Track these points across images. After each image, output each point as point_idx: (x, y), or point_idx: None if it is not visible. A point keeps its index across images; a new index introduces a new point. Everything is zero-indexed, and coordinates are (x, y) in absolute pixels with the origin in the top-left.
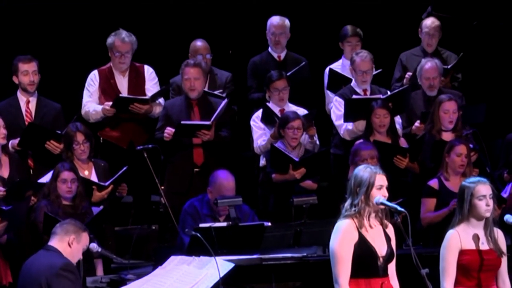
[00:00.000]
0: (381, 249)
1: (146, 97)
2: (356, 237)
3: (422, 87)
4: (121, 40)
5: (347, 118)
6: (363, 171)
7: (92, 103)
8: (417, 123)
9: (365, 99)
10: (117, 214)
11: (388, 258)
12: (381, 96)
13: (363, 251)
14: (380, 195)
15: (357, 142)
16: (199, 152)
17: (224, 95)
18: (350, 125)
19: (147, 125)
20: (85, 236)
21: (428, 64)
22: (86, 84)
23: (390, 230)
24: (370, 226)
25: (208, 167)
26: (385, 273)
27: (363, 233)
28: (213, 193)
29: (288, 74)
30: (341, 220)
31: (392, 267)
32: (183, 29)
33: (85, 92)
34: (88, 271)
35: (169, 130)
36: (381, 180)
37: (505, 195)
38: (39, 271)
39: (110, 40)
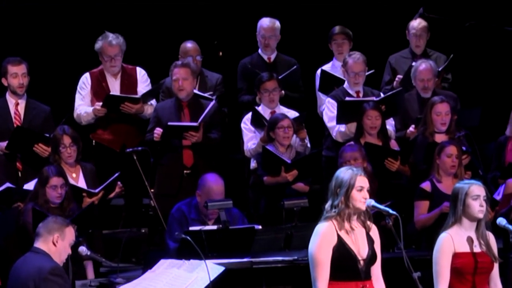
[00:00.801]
0: (362, 252)
1: (137, 96)
2: (335, 240)
3: (417, 89)
4: (109, 43)
5: (340, 120)
6: (344, 172)
7: (84, 106)
8: (411, 128)
9: (358, 101)
10: (107, 217)
11: (369, 260)
12: (374, 99)
13: (341, 254)
14: (360, 197)
15: (346, 144)
16: (188, 154)
17: (214, 97)
18: (342, 127)
19: (140, 127)
20: (69, 231)
21: (423, 65)
22: (78, 87)
23: (374, 232)
24: (351, 228)
25: (198, 169)
26: (367, 276)
27: (342, 235)
28: (202, 197)
29: (279, 77)
30: (321, 222)
31: (376, 270)
32: (173, 31)
33: (77, 95)
34: (78, 274)
35: (158, 131)
36: (361, 181)
37: (497, 197)
38: (28, 275)
39: (97, 45)
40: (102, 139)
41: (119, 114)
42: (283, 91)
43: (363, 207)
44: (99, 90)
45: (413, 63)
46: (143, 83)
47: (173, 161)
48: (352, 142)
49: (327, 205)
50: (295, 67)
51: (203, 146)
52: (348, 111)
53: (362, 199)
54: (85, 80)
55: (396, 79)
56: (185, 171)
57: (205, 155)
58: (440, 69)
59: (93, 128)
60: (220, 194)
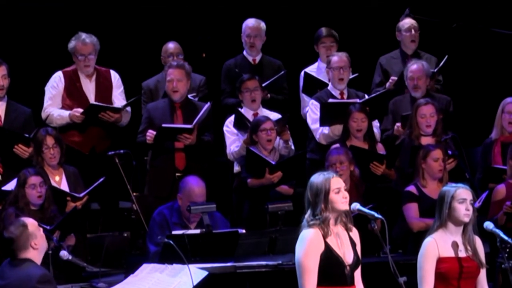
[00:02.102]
0: (348, 257)
1: (119, 106)
2: (322, 247)
3: (408, 88)
4: (82, 42)
5: (323, 122)
6: (316, 179)
7: (53, 107)
8: (398, 125)
9: (342, 103)
10: (86, 222)
11: (354, 265)
12: (358, 100)
13: (329, 261)
14: (340, 198)
15: (332, 146)
16: (181, 157)
17: (196, 99)
18: (326, 129)
19: (110, 130)
20: (31, 225)
21: (414, 65)
22: (49, 86)
23: (355, 234)
24: (336, 234)
25: (190, 172)
26: (352, 281)
27: (329, 242)
28: (183, 200)
29: (264, 84)
30: (306, 229)
31: (357, 274)
32: (156, 32)
33: (47, 94)
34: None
35: (150, 133)
36: (337, 183)
37: (477, 204)
38: (16, 285)
39: (71, 44)
40: (70, 141)
41: (98, 122)
42: (268, 95)
43: (346, 207)
44: (73, 90)
45: (405, 64)
46: (118, 88)
47: (165, 163)
48: (338, 145)
49: (307, 215)
50: (282, 72)
51: (195, 149)
52: (332, 113)
53: (342, 199)
54: (58, 79)
55: (390, 80)
56: (177, 174)
57: (197, 158)
58: (434, 70)
59: (62, 130)
60: (201, 196)
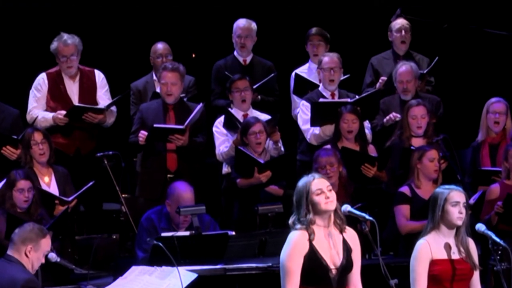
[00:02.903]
0: (335, 260)
1: (102, 107)
2: (306, 249)
3: (398, 91)
4: (64, 43)
5: (314, 122)
6: (300, 182)
7: (38, 109)
8: (382, 78)
9: (333, 103)
10: (74, 223)
11: (343, 269)
12: (349, 100)
13: (312, 263)
14: (322, 198)
15: (321, 148)
16: (172, 158)
17: (185, 99)
18: (317, 130)
19: (95, 132)
20: (44, 242)
21: (403, 67)
22: (33, 88)
23: (352, 238)
24: (325, 236)
25: (182, 174)
26: (340, 285)
27: (315, 244)
28: (172, 206)
29: (255, 86)
30: (292, 231)
31: (354, 278)
32: (145, 32)
33: (32, 97)
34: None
35: (142, 134)
36: (318, 184)
37: (472, 201)
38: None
39: (53, 45)
40: (55, 143)
41: (81, 123)
42: (259, 96)
43: (331, 207)
44: (57, 93)
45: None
46: (102, 88)
47: (156, 165)
48: (327, 146)
49: (293, 219)
50: (272, 74)
51: (187, 150)
52: (322, 113)
53: (325, 199)
54: (42, 81)
55: (380, 80)
56: (168, 176)
57: (189, 159)
58: (424, 72)
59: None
60: (189, 201)
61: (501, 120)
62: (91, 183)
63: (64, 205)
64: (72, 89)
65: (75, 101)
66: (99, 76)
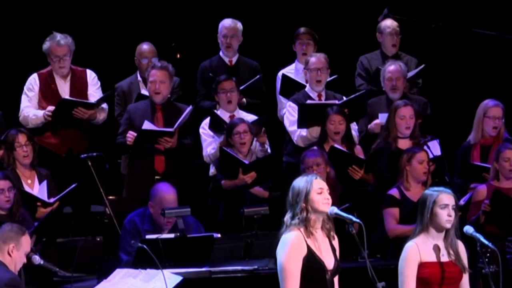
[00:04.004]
0: (329, 262)
1: (92, 102)
2: (304, 250)
3: (385, 90)
4: (57, 43)
5: (301, 124)
6: (299, 181)
7: (31, 108)
8: (376, 121)
9: (319, 104)
10: (57, 226)
11: (335, 271)
12: (336, 102)
13: (311, 265)
14: (322, 198)
15: (308, 149)
16: (160, 160)
17: (171, 100)
18: (304, 132)
19: (88, 132)
20: (25, 240)
21: (392, 65)
22: (25, 88)
23: (336, 242)
24: (317, 239)
25: (169, 175)
26: (332, 287)
27: (311, 245)
28: (155, 207)
29: (241, 87)
30: (287, 232)
31: (336, 281)
32: (129, 33)
33: (24, 97)
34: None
35: (131, 134)
36: (319, 184)
37: (462, 202)
38: None
39: (45, 45)
40: (47, 143)
41: (71, 119)
42: (244, 99)
43: (327, 209)
44: (48, 92)
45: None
46: (94, 86)
47: (144, 166)
48: (314, 147)
49: (288, 217)
50: (258, 76)
51: (175, 152)
52: (309, 115)
53: (324, 200)
54: (33, 81)
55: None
56: (156, 177)
57: (177, 161)
58: (408, 77)
59: (39, 132)
60: (172, 203)
61: (499, 125)
62: (73, 185)
63: (46, 207)
64: (64, 88)
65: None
66: (90, 75)
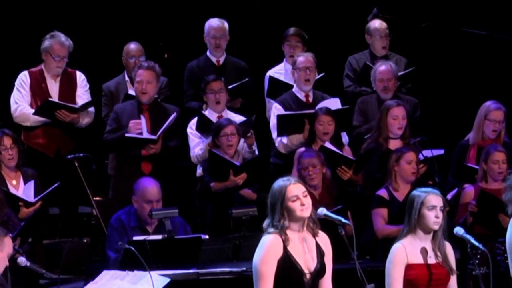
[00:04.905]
0: (309, 265)
1: (76, 106)
2: (280, 253)
3: (377, 90)
4: (60, 43)
5: (280, 132)
6: (276, 186)
7: (26, 105)
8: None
9: (298, 115)
10: (44, 227)
11: (317, 274)
12: (310, 112)
13: (286, 267)
14: (298, 205)
15: (303, 149)
16: (147, 161)
17: (158, 100)
18: (284, 139)
19: (75, 133)
20: (7, 241)
21: (383, 66)
22: (17, 85)
23: (325, 242)
24: (302, 240)
25: (156, 176)
26: None
27: (289, 248)
28: (138, 202)
29: (229, 87)
30: (266, 234)
31: (326, 282)
32: (116, 32)
33: (17, 94)
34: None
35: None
36: (294, 190)
37: (449, 196)
38: None
39: (47, 43)
40: (34, 143)
41: (54, 120)
42: (239, 104)
43: (306, 214)
44: (38, 91)
45: (372, 65)
46: (82, 88)
47: (131, 167)
48: (310, 148)
49: (266, 223)
50: (245, 79)
51: (161, 156)
52: (288, 124)
53: (300, 207)
54: (24, 78)
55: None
56: None
57: (163, 164)
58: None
59: (26, 131)
60: (155, 195)
61: (499, 129)
62: (56, 184)
63: (28, 207)
64: (53, 87)
65: (55, 99)
66: (80, 76)
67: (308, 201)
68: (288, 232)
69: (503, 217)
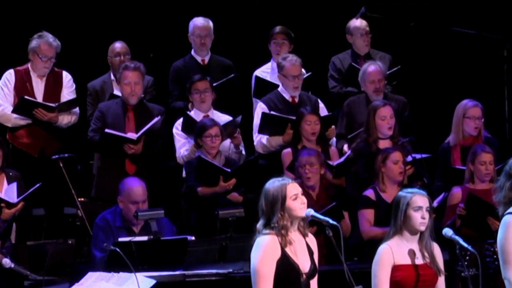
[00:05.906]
0: (304, 265)
1: (53, 105)
2: (278, 253)
3: (367, 92)
4: (48, 44)
5: (261, 130)
6: (272, 186)
7: (9, 105)
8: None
9: (282, 118)
10: (28, 228)
11: (311, 274)
12: (294, 118)
13: (285, 268)
14: (298, 204)
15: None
16: (131, 161)
17: (144, 100)
18: (264, 139)
19: (60, 133)
20: None
21: (372, 67)
22: (1, 83)
23: (312, 241)
24: (293, 241)
25: (141, 176)
26: None
27: (286, 249)
28: (124, 202)
29: (214, 84)
30: (262, 235)
31: (314, 283)
32: (102, 32)
33: (0, 93)
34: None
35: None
36: (293, 189)
37: (435, 204)
38: None
39: (35, 43)
40: (19, 143)
41: (33, 120)
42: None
43: (304, 213)
44: (23, 90)
45: (356, 65)
46: (68, 88)
47: (115, 167)
48: (310, 147)
49: (261, 224)
50: (232, 75)
51: (144, 157)
52: (271, 124)
53: (300, 205)
54: (9, 76)
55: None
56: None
57: (146, 164)
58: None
59: (11, 131)
60: (141, 196)
61: (480, 125)
62: (37, 185)
63: (10, 208)
64: (39, 87)
65: (40, 99)
66: (66, 76)
67: (305, 200)
68: (283, 232)
69: (492, 221)
